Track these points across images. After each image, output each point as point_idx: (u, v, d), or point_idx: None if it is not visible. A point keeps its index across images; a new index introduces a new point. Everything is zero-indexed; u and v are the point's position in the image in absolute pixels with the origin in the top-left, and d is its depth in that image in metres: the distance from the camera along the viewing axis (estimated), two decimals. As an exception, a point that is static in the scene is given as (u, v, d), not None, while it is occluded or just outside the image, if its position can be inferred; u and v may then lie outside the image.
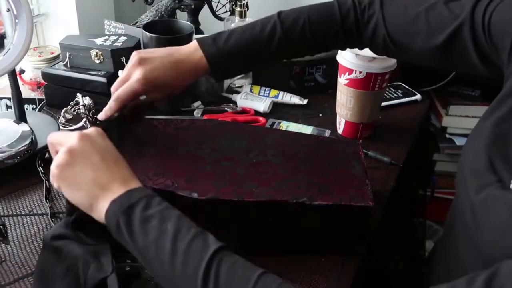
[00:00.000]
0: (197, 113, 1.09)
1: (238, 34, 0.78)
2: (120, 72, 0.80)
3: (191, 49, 0.77)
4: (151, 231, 0.54)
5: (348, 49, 0.97)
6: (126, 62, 1.04)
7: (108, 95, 1.02)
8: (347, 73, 0.96)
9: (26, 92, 1.17)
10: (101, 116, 0.78)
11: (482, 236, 0.59)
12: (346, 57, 0.96)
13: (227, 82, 1.19)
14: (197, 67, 0.77)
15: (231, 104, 1.13)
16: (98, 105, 1.03)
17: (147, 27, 1.03)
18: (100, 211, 0.57)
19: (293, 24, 0.79)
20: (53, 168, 0.59)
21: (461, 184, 0.66)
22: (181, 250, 0.53)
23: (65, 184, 0.59)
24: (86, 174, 0.58)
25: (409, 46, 0.77)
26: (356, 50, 0.96)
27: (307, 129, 1.05)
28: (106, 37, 1.08)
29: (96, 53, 1.04)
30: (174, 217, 0.56)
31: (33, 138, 0.90)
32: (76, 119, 1.04)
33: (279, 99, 1.15)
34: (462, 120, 1.53)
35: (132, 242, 0.55)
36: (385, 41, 0.79)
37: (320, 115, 1.12)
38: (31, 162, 0.88)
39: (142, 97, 0.78)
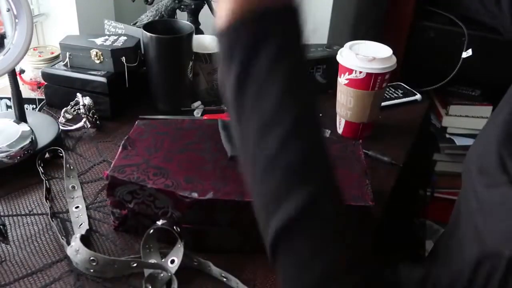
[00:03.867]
0: (197, 113, 1.09)
1: None
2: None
3: None
4: (264, 100, 0.41)
5: (348, 49, 0.97)
6: (126, 62, 1.04)
7: (108, 95, 1.03)
8: (347, 73, 0.96)
9: (26, 92, 1.17)
10: None
11: (490, 234, 0.58)
12: (346, 57, 0.96)
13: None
14: None
15: (231, 104, 1.13)
16: (98, 105, 1.03)
17: (147, 27, 1.03)
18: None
19: None
20: None
21: (468, 182, 0.65)
22: (278, 169, 0.41)
23: None
24: None
25: None
26: (357, 50, 0.96)
27: (307, 129, 1.05)
28: (106, 37, 1.08)
29: (96, 53, 1.03)
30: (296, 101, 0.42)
31: (33, 138, 0.90)
32: (76, 119, 1.04)
33: (279, 99, 1.15)
34: (462, 120, 1.54)
35: (236, 102, 0.42)
36: None
37: (320, 115, 1.12)
38: (31, 162, 0.88)
39: None
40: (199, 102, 1.12)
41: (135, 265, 0.67)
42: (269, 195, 0.41)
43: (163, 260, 0.70)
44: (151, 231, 0.69)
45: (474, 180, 0.62)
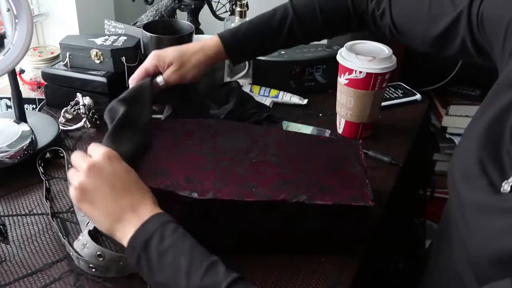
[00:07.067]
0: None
1: (253, 19, 0.85)
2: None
3: (208, 38, 0.85)
4: (166, 268, 0.57)
5: (348, 49, 0.97)
6: (126, 62, 1.04)
7: (108, 95, 1.03)
8: (347, 73, 0.96)
9: (26, 92, 1.17)
10: None
11: (471, 240, 0.58)
12: (346, 57, 0.96)
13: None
14: (213, 48, 0.83)
15: (231, 104, 1.13)
16: (98, 105, 1.03)
17: (147, 27, 1.03)
18: (120, 240, 0.61)
19: (305, 7, 0.84)
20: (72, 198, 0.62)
21: (452, 186, 0.65)
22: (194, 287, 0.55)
23: (86, 213, 0.63)
24: (98, 209, 0.61)
25: (411, 33, 0.79)
26: (357, 50, 0.96)
27: (307, 129, 1.05)
28: (106, 37, 1.08)
29: (96, 53, 1.04)
30: (187, 250, 0.58)
31: (33, 138, 0.90)
32: (76, 119, 1.04)
33: (279, 99, 1.15)
34: (462, 120, 1.53)
35: (151, 277, 0.59)
36: (390, 27, 0.81)
37: (320, 115, 1.12)
38: (31, 162, 0.88)
39: (160, 81, 0.83)
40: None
41: None
42: None
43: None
44: None
45: (459, 186, 0.62)
